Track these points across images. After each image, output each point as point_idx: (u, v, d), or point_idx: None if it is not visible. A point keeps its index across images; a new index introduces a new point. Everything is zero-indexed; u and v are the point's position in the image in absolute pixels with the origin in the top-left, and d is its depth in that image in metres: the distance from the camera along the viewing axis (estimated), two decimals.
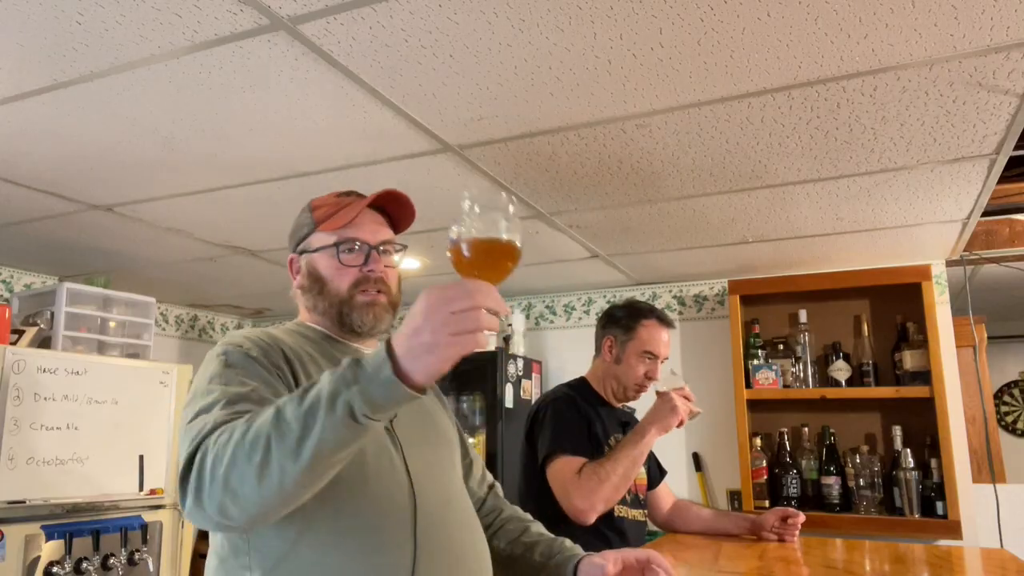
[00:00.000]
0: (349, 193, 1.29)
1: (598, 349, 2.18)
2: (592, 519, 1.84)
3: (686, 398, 1.97)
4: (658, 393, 2.00)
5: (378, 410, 0.84)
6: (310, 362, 1.15)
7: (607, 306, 2.48)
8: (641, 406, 2.23)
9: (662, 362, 2.11)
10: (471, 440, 3.45)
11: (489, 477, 1.48)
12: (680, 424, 1.94)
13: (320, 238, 1.23)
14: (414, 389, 0.83)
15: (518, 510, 1.46)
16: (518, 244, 0.89)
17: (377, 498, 1.06)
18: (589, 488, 1.83)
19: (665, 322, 2.12)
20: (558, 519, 1.80)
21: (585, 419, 2.01)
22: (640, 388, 2.10)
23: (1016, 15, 1.32)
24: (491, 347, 3.32)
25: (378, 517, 1.05)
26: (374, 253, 1.21)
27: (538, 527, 1.40)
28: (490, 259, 0.88)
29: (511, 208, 0.90)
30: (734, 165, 2.05)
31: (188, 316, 4.34)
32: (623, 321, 2.12)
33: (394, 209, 1.28)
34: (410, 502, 1.09)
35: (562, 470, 1.88)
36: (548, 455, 1.92)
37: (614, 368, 2.11)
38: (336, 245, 1.21)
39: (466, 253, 0.87)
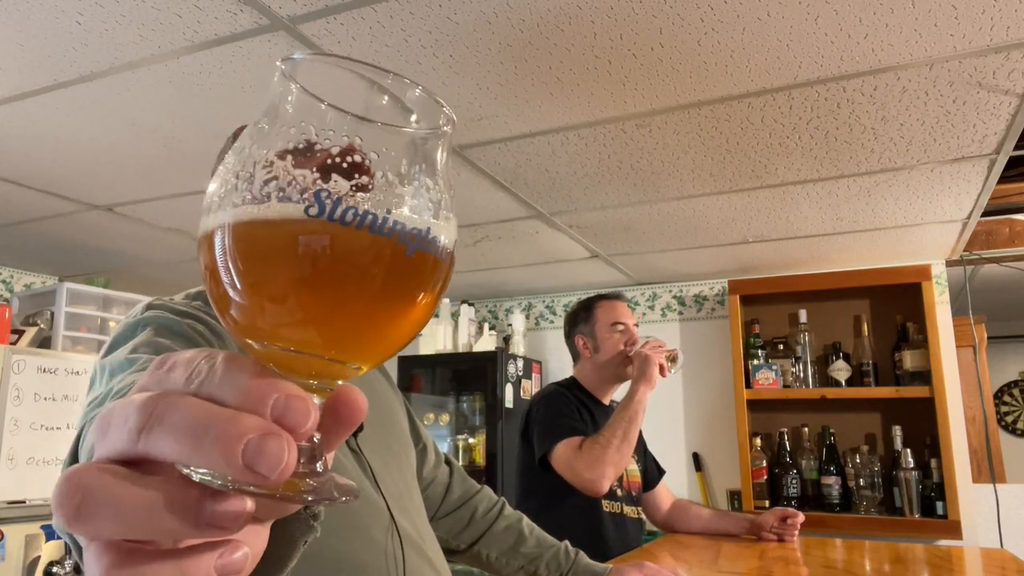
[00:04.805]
0: None
1: (575, 355, 2.24)
2: (605, 487, 1.87)
3: (657, 346, 2.05)
4: (631, 357, 2.09)
5: None
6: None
7: None
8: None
9: (635, 326, 2.20)
10: (466, 437, 3.44)
11: (442, 455, 1.32)
12: (662, 372, 2.01)
13: None
14: None
15: (490, 494, 1.33)
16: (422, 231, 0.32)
17: (358, 536, 0.91)
18: (593, 457, 1.87)
19: (615, 296, 2.26)
20: (558, 518, 1.81)
21: (576, 409, 2.04)
22: (627, 359, 2.13)
23: (1016, 15, 1.32)
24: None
25: (365, 556, 0.91)
26: None
27: (530, 528, 1.31)
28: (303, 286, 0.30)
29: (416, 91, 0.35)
30: (734, 165, 2.05)
31: None
32: (581, 316, 2.24)
33: None
34: (396, 543, 0.95)
35: (564, 453, 1.91)
36: (548, 448, 1.94)
37: (597, 358, 2.16)
38: None
39: (221, 265, 0.31)
